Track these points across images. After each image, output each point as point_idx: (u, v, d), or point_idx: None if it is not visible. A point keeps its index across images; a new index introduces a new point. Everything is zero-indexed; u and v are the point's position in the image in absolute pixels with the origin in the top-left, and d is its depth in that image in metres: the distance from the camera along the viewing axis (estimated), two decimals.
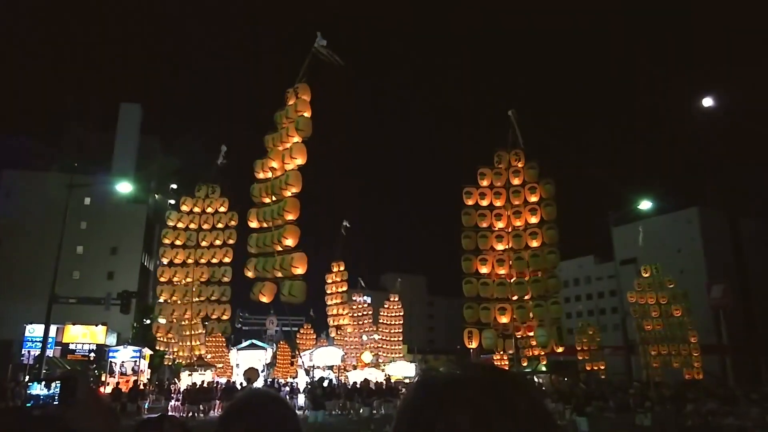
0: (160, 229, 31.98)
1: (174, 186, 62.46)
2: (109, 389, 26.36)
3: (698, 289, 43.67)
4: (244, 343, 41.76)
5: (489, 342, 22.14)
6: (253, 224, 20.82)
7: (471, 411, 0.70)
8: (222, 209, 27.44)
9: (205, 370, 27.29)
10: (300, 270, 18.46)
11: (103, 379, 30.13)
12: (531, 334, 22.51)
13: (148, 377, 33.18)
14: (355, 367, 38.39)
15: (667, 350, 31.08)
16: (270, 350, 44.39)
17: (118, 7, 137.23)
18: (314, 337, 47.38)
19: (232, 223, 27.17)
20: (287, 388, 31.21)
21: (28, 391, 1.51)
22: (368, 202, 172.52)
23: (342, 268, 40.01)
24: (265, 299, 19.72)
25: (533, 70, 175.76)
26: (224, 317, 26.77)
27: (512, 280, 22.34)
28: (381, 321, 45.60)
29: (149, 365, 34.49)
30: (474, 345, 22.48)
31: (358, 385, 27.34)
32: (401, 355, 46.24)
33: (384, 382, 29.93)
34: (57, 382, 1.38)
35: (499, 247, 22.88)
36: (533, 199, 22.88)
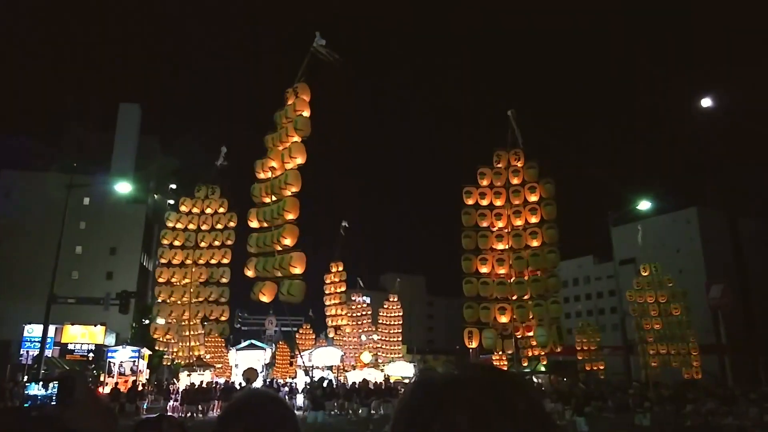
0: (159, 229, 31.96)
1: (173, 186, 62.49)
2: (107, 389, 26.33)
3: (697, 289, 43.75)
4: (243, 344, 41.75)
5: (489, 342, 22.16)
6: (254, 224, 20.84)
7: (470, 411, 0.70)
8: (221, 210, 27.44)
9: (204, 371, 27.27)
10: (298, 270, 18.47)
11: (101, 379, 30.11)
12: (530, 333, 22.52)
13: (147, 377, 33.16)
14: (354, 368, 38.38)
15: (666, 349, 31.09)
16: (269, 350, 44.39)
17: (118, 7, 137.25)
18: (313, 337, 47.38)
19: (231, 224, 27.17)
20: (286, 389, 31.21)
21: (26, 391, 1.50)
22: (368, 202, 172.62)
23: (340, 269, 40.02)
24: (265, 299, 19.71)
25: (533, 70, 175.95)
26: (222, 318, 26.77)
27: (512, 280, 22.35)
28: (380, 321, 45.59)
29: (148, 365, 34.47)
30: (474, 345, 22.50)
31: (357, 386, 27.34)
32: (401, 355, 46.23)
33: (383, 383, 29.93)
34: (55, 382, 1.38)
35: (499, 246, 22.89)
36: (533, 198, 22.90)
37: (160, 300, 26.88)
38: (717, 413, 21.48)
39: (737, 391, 26.01)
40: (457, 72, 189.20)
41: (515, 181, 23.26)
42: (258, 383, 30.14)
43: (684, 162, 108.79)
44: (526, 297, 22.18)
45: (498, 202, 23.21)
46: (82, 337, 36.93)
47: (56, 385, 1.37)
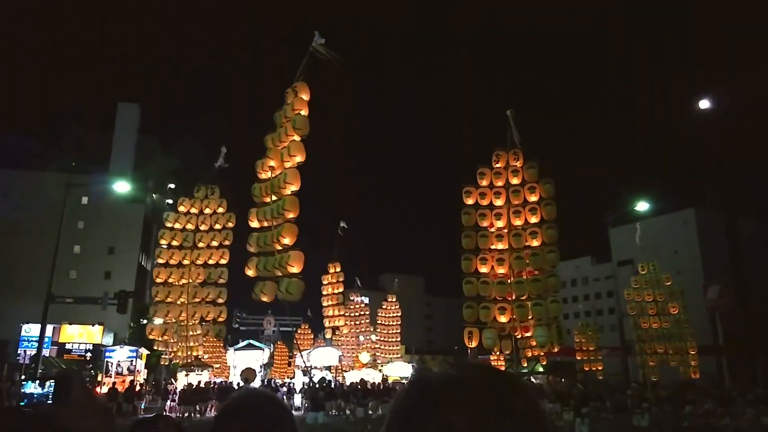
0: (157, 229, 31.92)
1: (172, 186, 62.39)
2: (105, 389, 26.28)
3: (695, 290, 43.80)
4: (242, 344, 41.68)
5: (489, 342, 22.20)
6: (254, 224, 20.90)
7: (467, 411, 0.69)
8: (220, 210, 27.41)
9: (202, 371, 27.24)
10: (296, 268, 18.49)
11: (99, 379, 30.05)
12: (528, 334, 22.54)
13: (145, 377, 33.11)
14: (351, 368, 38.36)
15: (663, 349, 31.12)
16: (267, 350, 44.35)
17: (118, 6, 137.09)
18: (312, 337, 47.36)
19: (230, 224, 27.15)
20: (284, 389, 31.19)
21: (22, 390, 1.49)
22: (367, 202, 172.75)
23: (338, 269, 40.01)
24: (266, 299, 19.73)
25: (533, 70, 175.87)
26: (220, 319, 26.74)
27: (512, 280, 22.38)
28: (379, 321, 45.60)
29: (146, 365, 34.42)
30: (474, 344, 22.54)
31: (354, 386, 27.33)
32: (399, 355, 46.25)
33: (380, 383, 29.92)
34: (51, 381, 1.37)
35: (499, 246, 22.92)
36: (533, 198, 22.94)
37: (157, 300, 26.84)
38: (714, 414, 21.52)
39: (734, 392, 26.06)
40: (457, 72, 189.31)
41: (515, 181, 23.29)
42: (256, 383, 30.09)
43: (683, 163, 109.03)
44: (524, 297, 22.21)
45: (498, 202, 23.25)
46: (79, 336, 36.86)
47: (53, 384, 1.37)
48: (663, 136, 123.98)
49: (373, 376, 34.05)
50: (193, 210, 27.37)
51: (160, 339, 27.49)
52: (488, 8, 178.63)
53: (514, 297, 22.28)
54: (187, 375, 25.96)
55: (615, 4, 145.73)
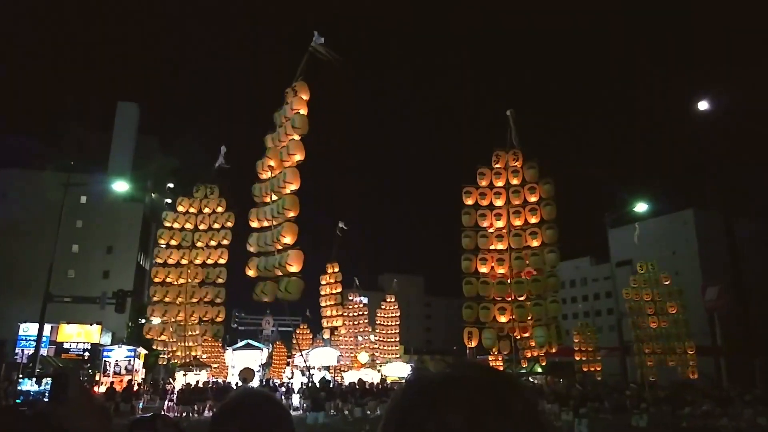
0: (156, 229, 31.91)
1: (171, 185, 62.36)
2: (103, 389, 26.26)
3: (694, 291, 43.84)
4: (240, 343, 41.68)
5: (489, 342, 22.23)
6: (254, 224, 20.93)
7: (466, 411, 0.69)
8: (219, 209, 27.38)
9: (200, 371, 27.21)
10: (295, 267, 18.50)
11: (97, 378, 30.02)
12: (527, 334, 22.56)
13: (143, 377, 33.08)
14: (350, 368, 38.36)
15: (661, 348, 31.14)
16: (266, 350, 44.32)
17: (118, 6, 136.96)
18: (311, 337, 47.34)
19: (229, 224, 27.12)
20: (283, 389, 31.15)
21: (19, 387, 1.50)
22: (367, 202, 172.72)
23: (336, 270, 40.01)
24: (267, 299, 19.75)
25: (533, 70, 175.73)
26: (218, 319, 26.68)
27: (511, 280, 22.42)
28: (378, 322, 45.60)
29: (144, 365, 34.40)
30: (473, 344, 22.58)
31: (352, 386, 27.33)
32: (398, 355, 46.23)
33: (379, 383, 29.92)
34: (48, 379, 1.37)
35: (499, 246, 22.95)
36: (533, 199, 22.98)
37: (155, 300, 26.79)
38: (713, 415, 21.56)
39: (733, 392, 26.10)
40: (457, 72, 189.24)
41: (515, 181, 23.33)
42: (255, 383, 30.08)
43: (682, 163, 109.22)
44: (522, 298, 22.24)
45: (498, 203, 23.29)
46: (77, 336, 36.83)
47: (50, 382, 1.37)
48: (662, 136, 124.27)
49: (371, 377, 34.04)
50: (192, 209, 27.34)
51: (157, 339, 27.46)
52: (488, 8, 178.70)
53: (513, 297, 22.31)
54: (185, 375, 25.94)
55: (615, 4, 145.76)
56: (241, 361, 37.21)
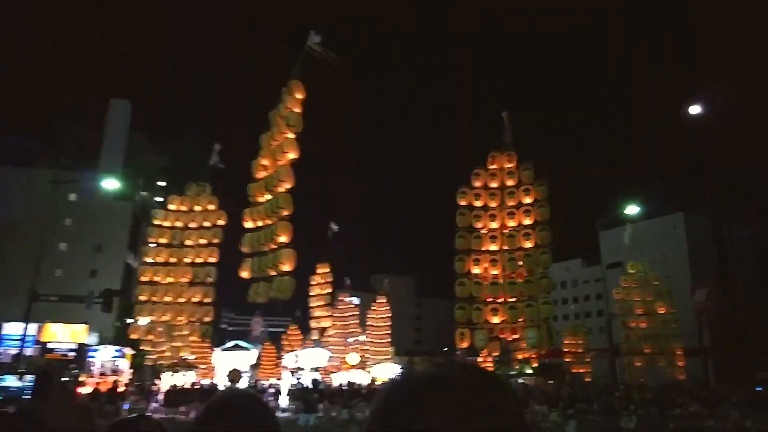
0: (146, 227, 31.63)
1: (162, 183, 61.93)
2: (88, 390, 25.92)
3: (684, 293, 44.05)
4: (228, 344, 41.35)
5: (481, 343, 22.26)
6: (249, 224, 20.82)
7: (452, 410, 0.68)
8: (210, 207, 27.16)
9: (187, 371, 26.95)
10: (288, 267, 18.45)
11: (82, 379, 29.64)
12: (517, 336, 22.56)
13: (130, 378, 32.71)
14: (338, 369, 38.20)
15: (651, 349, 31.27)
16: (255, 351, 44.01)
17: (113, 5, 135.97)
18: (301, 338, 47.09)
19: (220, 222, 26.91)
20: (272, 390, 30.93)
21: (0, 383, 1.44)
22: (360, 202, 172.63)
23: (327, 270, 39.84)
24: (261, 299, 19.67)
25: (533, 70, 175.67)
26: (206, 319, 26.45)
27: (505, 281, 22.43)
28: (369, 323, 45.46)
29: (131, 366, 34.03)
30: (465, 345, 22.58)
31: (341, 387, 27.18)
32: (389, 357, 46.09)
33: (368, 385, 29.75)
34: (31, 376, 1.30)
35: (492, 247, 22.95)
36: (527, 200, 23.03)
37: (142, 299, 26.50)
38: (700, 416, 21.61)
39: (720, 394, 26.20)
40: (456, 72, 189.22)
41: (510, 182, 23.38)
42: (243, 384, 29.84)
43: (675, 166, 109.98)
44: (513, 299, 22.23)
45: (492, 204, 23.32)
46: (63, 335, 36.41)
47: (32, 379, 1.30)
48: (654, 139, 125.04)
49: (361, 378, 33.88)
50: (183, 208, 27.11)
51: (144, 339, 27.18)
52: (488, 8, 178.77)
53: (504, 299, 22.30)
54: (172, 376, 25.67)
55: (615, 4, 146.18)
56: (230, 362, 36.94)
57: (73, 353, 35.63)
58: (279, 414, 24.88)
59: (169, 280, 26.30)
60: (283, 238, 18.64)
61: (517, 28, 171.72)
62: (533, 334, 21.96)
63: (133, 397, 26.00)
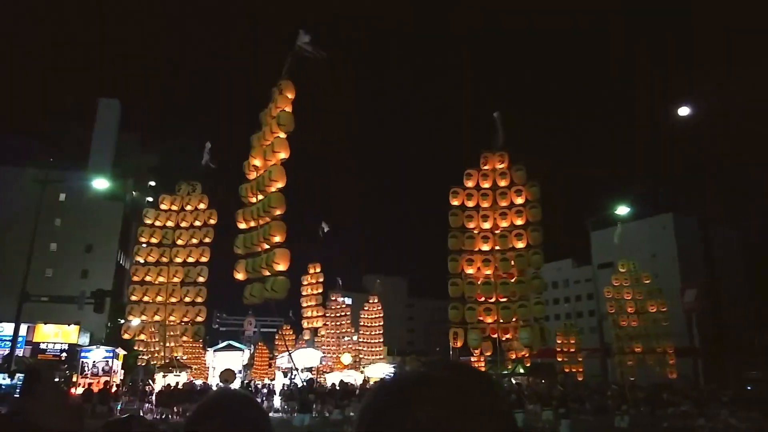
0: (137, 227, 31.47)
1: (152, 183, 61.59)
2: (80, 390, 25.77)
3: (673, 293, 44.51)
4: (221, 344, 41.29)
5: (474, 342, 22.39)
6: (242, 225, 20.81)
7: (438, 409, 0.68)
8: (201, 206, 27.07)
9: (180, 372, 26.85)
10: (282, 266, 18.42)
11: (74, 379, 29.46)
12: (509, 336, 22.71)
13: (122, 378, 32.56)
14: (332, 369, 38.23)
15: (641, 348, 31.54)
16: (247, 351, 43.95)
17: (102, 3, 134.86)
18: (294, 338, 47.09)
19: (211, 221, 26.82)
20: (265, 390, 30.93)
21: None
22: (354, 202, 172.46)
23: (318, 270, 39.87)
24: (256, 301, 19.62)
25: (533, 70, 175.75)
26: (199, 319, 26.34)
27: (498, 281, 22.59)
28: (361, 323, 45.53)
29: (123, 366, 33.87)
30: (459, 345, 22.71)
31: (336, 387, 27.22)
32: (382, 356, 46.20)
33: (361, 384, 29.81)
34: (21, 374, 1.33)
35: (485, 247, 23.10)
36: (519, 201, 23.18)
37: (133, 299, 26.36)
38: (690, 415, 21.88)
39: (710, 393, 26.55)
40: (456, 72, 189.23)
41: (503, 183, 23.52)
42: (236, 385, 29.79)
43: (664, 168, 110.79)
44: (505, 299, 22.40)
45: (485, 204, 23.46)
46: (55, 336, 36.13)
47: (22, 378, 1.33)
48: (646, 141, 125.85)
49: (354, 378, 33.94)
50: (174, 207, 27.01)
51: (137, 339, 27.03)
52: (488, 8, 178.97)
53: (496, 299, 22.45)
54: (164, 376, 25.57)
55: (615, 4, 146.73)
56: (222, 362, 36.87)
57: (64, 354, 35.38)
58: (273, 414, 24.88)
59: (161, 279, 26.16)
60: (278, 238, 18.62)
61: (517, 28, 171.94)
62: (526, 334, 22.12)
63: (125, 398, 25.91)
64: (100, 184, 33.71)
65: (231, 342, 42.64)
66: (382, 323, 46.05)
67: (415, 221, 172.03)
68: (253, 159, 20.56)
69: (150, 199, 50.26)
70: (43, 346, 35.57)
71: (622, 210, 34.50)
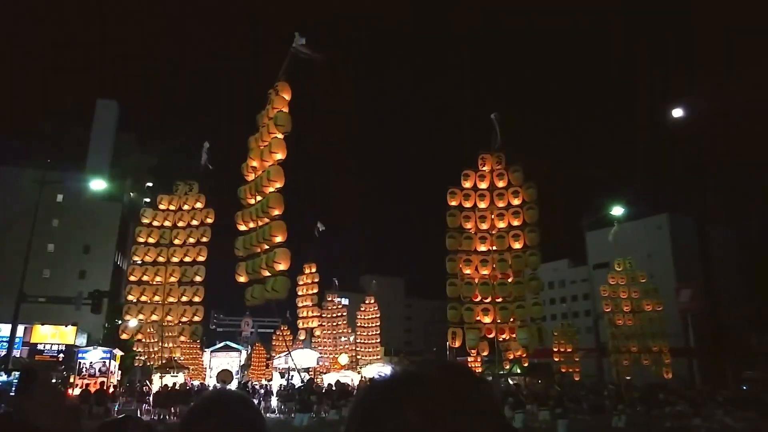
0: (134, 228, 31.48)
1: (149, 184, 61.52)
2: (77, 391, 25.77)
3: (668, 293, 44.69)
4: (218, 345, 41.30)
5: (473, 342, 22.50)
6: (242, 227, 20.88)
7: (427, 408, 0.69)
8: (198, 205, 27.11)
9: (177, 372, 26.87)
10: (283, 266, 18.51)
11: (71, 380, 29.44)
12: (505, 336, 22.82)
13: (119, 379, 32.55)
14: (329, 370, 38.28)
15: (637, 347, 31.63)
16: (245, 352, 43.97)
17: (100, 3, 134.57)
18: (291, 338, 47.13)
19: (208, 220, 26.85)
20: (262, 391, 30.96)
21: None
22: (351, 202, 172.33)
23: (313, 270, 39.90)
24: (258, 302, 19.71)
25: (533, 70, 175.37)
26: (196, 318, 26.36)
27: (495, 281, 22.70)
28: (358, 324, 45.58)
29: (120, 367, 33.85)
30: (457, 345, 22.83)
31: (333, 388, 27.27)
32: (379, 357, 46.26)
33: (358, 385, 29.86)
34: (17, 372, 1.37)
35: (482, 248, 23.21)
36: (516, 202, 23.31)
37: (130, 299, 26.37)
38: (686, 415, 21.98)
39: (706, 393, 26.63)
40: (456, 72, 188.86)
41: (500, 184, 23.65)
42: (233, 385, 29.83)
43: (660, 168, 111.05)
44: (500, 300, 22.51)
45: (482, 204, 23.58)
46: (52, 337, 36.04)
47: (18, 376, 1.37)
48: (642, 141, 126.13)
49: (351, 378, 34.00)
50: (172, 207, 27.05)
51: (135, 340, 27.04)
52: (488, 8, 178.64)
53: (492, 299, 22.56)
54: (162, 377, 25.59)
55: (615, 4, 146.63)
56: (220, 363, 36.89)
57: (62, 355, 35.32)
58: (270, 415, 24.92)
59: (158, 279, 26.19)
60: (279, 238, 18.69)
61: (517, 28, 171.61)
62: (524, 334, 22.26)
63: (122, 399, 25.91)
64: (98, 185, 33.68)
65: (228, 343, 42.68)
66: (379, 324, 46.10)
67: (413, 221, 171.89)
68: (251, 161, 20.69)
69: (148, 200, 50.20)
70: (40, 347, 35.46)
71: (617, 210, 34.67)
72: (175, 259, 26.38)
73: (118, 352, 32.90)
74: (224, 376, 29.05)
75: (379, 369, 38.26)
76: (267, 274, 18.79)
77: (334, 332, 42.80)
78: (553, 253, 68.32)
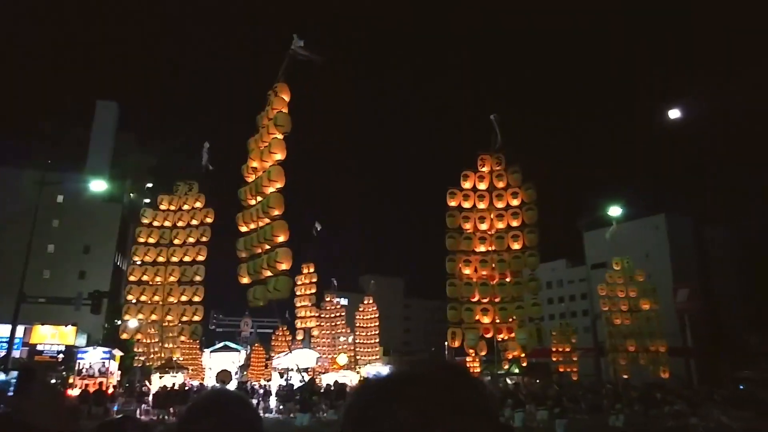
0: (134, 229, 31.55)
1: (150, 185, 61.54)
2: (77, 391, 25.82)
3: (666, 293, 44.84)
4: (217, 345, 41.35)
5: (472, 342, 22.61)
6: (243, 228, 20.98)
7: (421, 407, 0.69)
8: (198, 205, 27.20)
9: (176, 373, 26.94)
10: (285, 265, 18.64)
11: (70, 381, 29.48)
12: (503, 335, 22.93)
13: (119, 379, 32.58)
14: (327, 370, 38.35)
15: (635, 347, 31.73)
16: (244, 352, 44.02)
17: (99, 4, 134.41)
18: (290, 339, 47.18)
19: (208, 219, 26.94)
20: (261, 391, 31.03)
21: None
22: (350, 202, 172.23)
23: (312, 270, 39.96)
24: (261, 303, 19.81)
25: (533, 70, 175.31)
26: (195, 318, 26.44)
27: (494, 282, 22.81)
28: (357, 324, 45.64)
29: (120, 367, 33.88)
30: (457, 345, 22.95)
31: (331, 388, 27.36)
32: (378, 357, 46.35)
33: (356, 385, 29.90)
34: (15, 371, 1.41)
35: (482, 248, 23.32)
36: (515, 202, 23.42)
37: (130, 299, 26.44)
38: (684, 415, 22.10)
39: (703, 392, 26.77)
40: (455, 72, 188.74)
41: (499, 184, 23.75)
42: (232, 386, 29.90)
43: (656, 169, 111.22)
44: (498, 300, 22.63)
45: (481, 205, 23.70)
46: (52, 337, 36.09)
47: (16, 376, 1.43)
48: (640, 141, 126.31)
49: (350, 378, 34.08)
50: (172, 207, 27.14)
51: (135, 340, 27.11)
52: (488, 8, 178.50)
53: (493, 299, 22.68)
54: (161, 377, 25.66)
55: (615, 4, 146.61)
56: (219, 363, 36.95)
57: (61, 355, 35.36)
58: (269, 415, 25.00)
59: (158, 279, 26.28)
60: (281, 238, 18.81)
61: (517, 28, 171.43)
62: (523, 334, 22.39)
63: (122, 399, 25.97)
64: (98, 186, 33.72)
65: (227, 343, 42.69)
66: (377, 324, 46.19)
67: (413, 222, 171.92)
68: (251, 161, 20.80)
69: (148, 200, 50.26)
70: (40, 347, 35.52)
71: (615, 211, 34.80)
72: (174, 259, 26.47)
73: (118, 353, 32.94)
74: (223, 376, 29.14)
75: (383, 369, 38.41)
76: (269, 274, 18.89)
77: (333, 332, 42.86)
78: (551, 252, 68.51)
